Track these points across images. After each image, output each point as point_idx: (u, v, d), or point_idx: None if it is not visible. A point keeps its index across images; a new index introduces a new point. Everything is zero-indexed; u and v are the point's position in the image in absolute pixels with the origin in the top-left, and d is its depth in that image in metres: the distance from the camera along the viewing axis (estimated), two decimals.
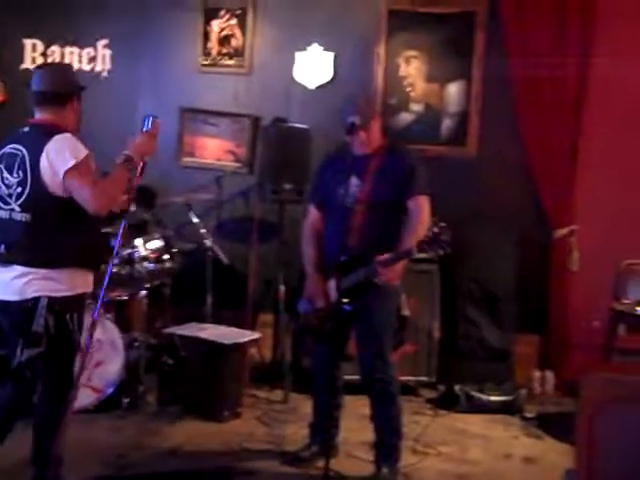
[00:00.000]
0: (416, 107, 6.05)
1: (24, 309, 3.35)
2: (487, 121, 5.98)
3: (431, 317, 5.48)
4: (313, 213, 4.15)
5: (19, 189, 3.39)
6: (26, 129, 3.50)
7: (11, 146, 3.46)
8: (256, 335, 5.07)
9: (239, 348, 4.85)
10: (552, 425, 4.93)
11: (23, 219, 3.38)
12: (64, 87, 3.54)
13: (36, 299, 3.34)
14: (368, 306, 3.90)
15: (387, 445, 4.01)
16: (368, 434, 4.13)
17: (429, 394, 5.46)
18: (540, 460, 4.44)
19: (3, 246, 3.40)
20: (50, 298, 3.34)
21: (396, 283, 3.93)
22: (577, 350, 5.76)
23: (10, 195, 3.41)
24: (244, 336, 4.91)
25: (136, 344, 4.85)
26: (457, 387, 5.21)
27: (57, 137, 3.36)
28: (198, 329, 4.88)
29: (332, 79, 5.99)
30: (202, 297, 5.36)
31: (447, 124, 6.01)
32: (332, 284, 3.90)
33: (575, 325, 5.91)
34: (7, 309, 3.42)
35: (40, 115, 3.51)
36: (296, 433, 4.56)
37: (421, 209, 3.86)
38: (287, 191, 5.30)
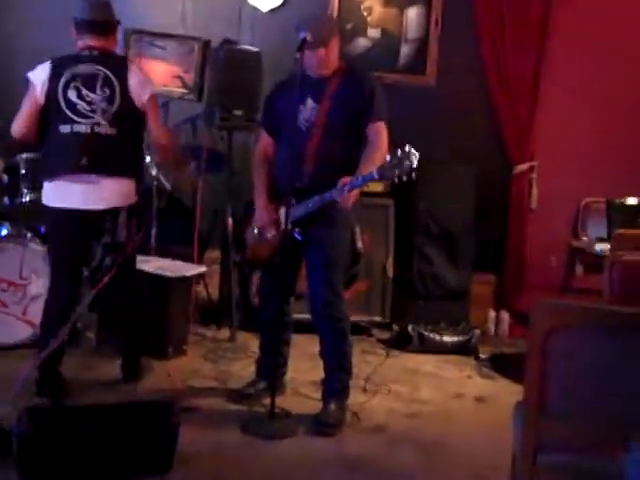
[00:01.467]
0: (373, 33, 6.04)
1: (105, 218, 3.95)
2: (447, 49, 6.01)
3: (385, 254, 5.54)
4: (264, 138, 4.13)
5: (104, 104, 3.94)
6: (91, 53, 3.99)
7: (85, 66, 3.96)
8: (202, 268, 5.07)
9: (184, 282, 4.85)
10: (506, 366, 5.04)
11: (108, 132, 3.94)
12: (112, 18, 4.13)
13: (117, 209, 3.95)
14: (321, 236, 3.90)
15: (336, 382, 4.05)
16: (317, 374, 4.19)
17: (382, 334, 5.55)
18: (492, 400, 4.55)
19: (85, 158, 3.90)
20: (128, 208, 3.99)
21: (349, 214, 3.93)
22: (533, 290, 5.91)
23: (93, 110, 3.93)
24: (190, 269, 4.90)
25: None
26: (410, 327, 5.29)
27: (136, 66, 4.21)
28: (141, 262, 4.84)
29: (285, 2, 5.94)
30: (146, 230, 5.32)
31: (405, 51, 6.03)
32: (283, 212, 3.86)
33: (532, 265, 6.05)
34: (87, 217, 3.94)
35: (97, 42, 4.02)
36: (243, 370, 4.61)
37: (380, 135, 3.84)
38: (236, 118, 5.24)
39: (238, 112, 5.26)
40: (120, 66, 4.03)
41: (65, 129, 3.93)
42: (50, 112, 3.96)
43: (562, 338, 2.57)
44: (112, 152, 3.97)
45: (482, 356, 5.24)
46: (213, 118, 5.28)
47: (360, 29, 6.02)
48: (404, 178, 3.53)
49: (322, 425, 3.92)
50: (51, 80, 3.95)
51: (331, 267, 3.94)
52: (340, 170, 3.76)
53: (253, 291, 5.37)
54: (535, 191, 6.01)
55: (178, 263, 5.00)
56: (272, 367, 4.10)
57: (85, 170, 3.91)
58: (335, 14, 5.94)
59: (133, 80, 4.00)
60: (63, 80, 3.94)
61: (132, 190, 4.05)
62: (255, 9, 5.93)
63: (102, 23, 4.06)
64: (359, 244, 4.12)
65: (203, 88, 5.78)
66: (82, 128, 3.93)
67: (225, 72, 5.28)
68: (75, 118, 3.93)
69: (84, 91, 3.94)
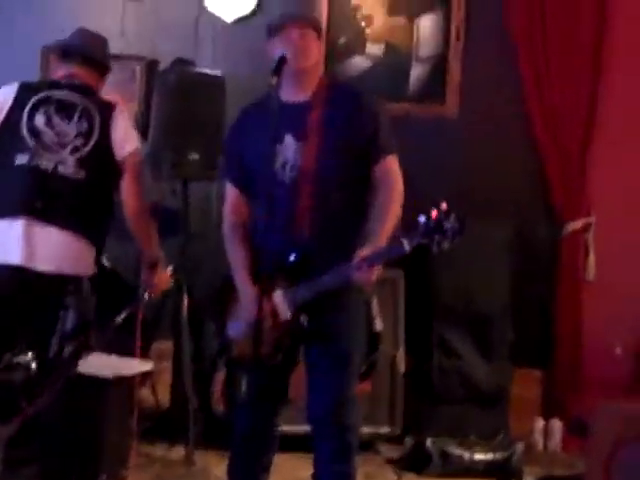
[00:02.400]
0: (374, 49, 6.14)
1: (56, 286, 3.93)
2: (473, 68, 6.09)
3: (394, 344, 5.53)
4: (232, 195, 3.99)
5: (79, 141, 4.01)
6: (73, 81, 4.13)
7: (63, 92, 4.07)
8: (148, 366, 5.05)
9: (125, 384, 4.81)
10: None
11: (75, 175, 3.98)
12: (106, 58, 4.34)
13: (77, 278, 3.98)
14: (330, 324, 3.80)
15: None
16: None
17: (391, 452, 5.52)
18: None
19: (40, 202, 3.93)
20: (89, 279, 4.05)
21: (362, 287, 3.82)
22: (593, 390, 5.86)
23: (63, 145, 3.99)
24: (131, 367, 4.88)
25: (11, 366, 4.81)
26: (429, 441, 5.25)
27: (123, 109, 4.26)
28: None
29: (255, 10, 6.05)
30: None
31: (417, 73, 6.09)
32: (279, 296, 3.77)
33: (591, 356, 6.03)
34: (28, 281, 3.91)
35: (84, 74, 4.18)
36: None
37: (391, 175, 3.74)
38: (193, 163, 5.30)
39: (194, 156, 5.31)
40: (106, 104, 4.15)
41: (21, 160, 3.98)
42: (4, 136, 4.02)
43: (633, 453, 2.56)
44: (76, 201, 4.02)
45: None
46: (161, 164, 5.31)
47: (357, 45, 6.13)
48: (445, 246, 3.39)
49: None
50: (16, 99, 4.07)
51: (344, 365, 3.86)
52: (345, 232, 3.73)
53: (216, 395, 5.32)
54: (592, 257, 6.03)
55: (115, 359, 4.96)
56: None
57: (37, 215, 3.92)
58: (323, 25, 5.99)
59: (119, 123, 4.12)
60: (32, 101, 4.04)
61: (92, 258, 4.09)
62: (216, 19, 6.05)
63: (98, 58, 4.28)
64: (377, 324, 4.09)
65: (148, 124, 5.82)
66: (44, 163, 3.97)
67: (177, 102, 5.35)
68: (37, 149, 3.98)
69: (55, 119, 4.03)
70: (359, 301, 3.88)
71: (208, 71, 5.54)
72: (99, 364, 4.83)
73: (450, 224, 3.32)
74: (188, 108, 5.32)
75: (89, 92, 4.15)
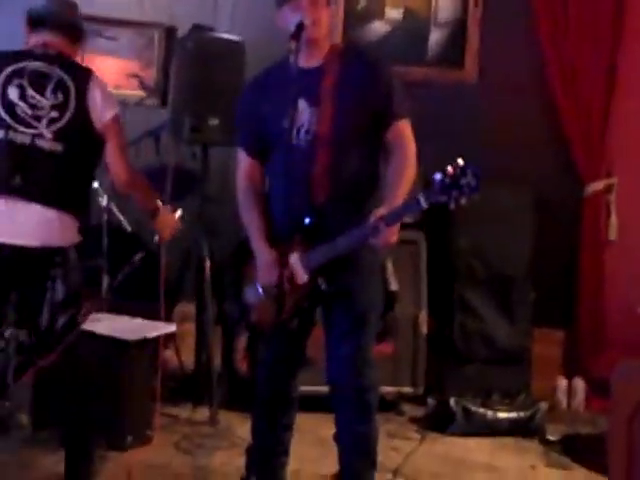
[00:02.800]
0: (393, 13, 6.12)
1: (39, 259, 3.85)
2: (491, 33, 6.07)
3: (416, 305, 5.55)
4: (246, 162, 3.99)
5: (55, 113, 3.88)
6: (46, 51, 3.98)
7: (36, 63, 3.94)
8: (171, 328, 5.07)
9: (148, 346, 4.84)
10: (582, 451, 5.03)
11: (52, 148, 3.87)
12: (79, 24, 4.17)
13: (61, 249, 3.89)
14: (345, 287, 3.81)
15: (356, 475, 3.99)
16: (329, 465, 4.17)
17: (414, 411, 5.56)
18: None
19: (19, 177, 3.85)
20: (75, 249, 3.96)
21: (377, 249, 3.81)
22: (616, 349, 5.88)
23: (38, 118, 3.87)
24: (155, 329, 4.90)
25: (1, 343, 4.83)
26: (452, 401, 5.28)
27: (99, 77, 4.04)
28: (90, 320, 4.87)
29: None
30: (95, 279, 5.36)
31: (436, 38, 6.08)
32: (296, 259, 3.76)
33: (613, 315, 6.03)
34: (23, 257, 3.85)
35: (58, 42, 4.03)
36: (227, 464, 4.62)
37: (405, 138, 3.74)
38: (212, 128, 5.31)
39: (214, 121, 5.32)
40: (82, 73, 4.02)
41: None
42: None
43: None
44: (55, 174, 3.93)
45: (550, 438, 5.23)
46: (182, 129, 5.33)
47: (376, 9, 6.12)
48: (463, 202, 3.33)
49: None
50: None
51: (360, 326, 3.87)
52: (361, 195, 3.74)
53: (238, 357, 5.38)
54: (614, 218, 6.01)
55: (139, 322, 5.01)
56: (269, 458, 4.09)
57: (17, 192, 3.87)
58: None
59: (95, 92, 3.97)
60: (5, 74, 3.95)
61: (76, 228, 4.01)
62: None
63: (70, 24, 4.11)
64: (393, 284, 4.09)
65: (167, 90, 5.85)
66: (19, 137, 3.88)
67: (196, 68, 5.35)
68: (11, 123, 3.89)
69: (30, 91, 3.91)
70: (373, 262, 3.89)
71: (227, 36, 5.53)
72: (122, 327, 4.89)
73: (466, 180, 3.28)
74: (207, 74, 5.33)
75: (64, 61, 4.02)
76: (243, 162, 3.98)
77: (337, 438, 3.99)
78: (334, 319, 3.89)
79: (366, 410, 3.92)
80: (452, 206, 3.32)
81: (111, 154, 3.99)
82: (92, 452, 4.27)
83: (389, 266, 4.08)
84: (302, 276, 3.73)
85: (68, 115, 3.90)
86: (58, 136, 3.89)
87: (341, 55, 3.80)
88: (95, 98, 3.95)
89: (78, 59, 4.15)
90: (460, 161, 3.31)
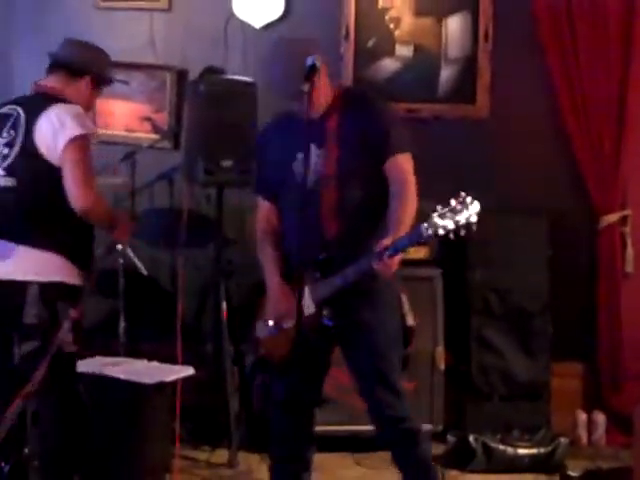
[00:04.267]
0: (403, 51, 6.10)
1: (10, 293, 3.97)
2: (502, 68, 6.06)
3: (433, 340, 5.54)
4: (264, 207, 4.19)
5: (5, 150, 4.03)
6: (31, 94, 4.18)
7: (7, 107, 4.13)
8: (189, 371, 5.07)
9: (165, 389, 4.83)
10: None
11: (5, 183, 4.01)
12: (81, 59, 4.24)
13: (23, 284, 3.95)
14: (363, 321, 3.91)
15: None
16: None
17: (434, 448, 5.42)
18: None
19: None
20: (40, 285, 3.96)
21: (392, 282, 3.92)
22: (636, 382, 5.84)
23: None
24: (173, 372, 4.89)
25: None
26: (472, 437, 5.26)
27: (65, 104, 4.05)
28: (107, 365, 4.88)
29: (284, 15, 6.07)
30: (112, 323, 5.39)
31: (447, 74, 6.07)
32: (306, 292, 3.87)
33: (633, 348, 5.98)
34: None
35: (52, 83, 4.18)
36: None
37: (402, 172, 3.86)
38: (226, 170, 5.32)
39: (227, 162, 5.33)
40: (40, 106, 4.06)
41: None
42: None
43: None
44: (12, 209, 4.04)
45: (572, 474, 5.15)
46: (195, 172, 5.34)
47: (386, 47, 6.10)
48: (461, 233, 3.47)
49: None
50: None
51: (383, 357, 3.96)
52: (369, 228, 3.84)
53: (256, 398, 5.36)
54: (630, 250, 5.99)
55: (156, 365, 5.00)
56: None
57: None
58: (351, 28, 6.03)
59: (42, 123, 4.00)
60: None
61: (55, 266, 4.02)
62: (246, 25, 6.05)
63: (67, 60, 4.21)
64: (409, 319, 4.13)
65: (180, 132, 5.87)
66: None
67: (209, 110, 5.36)
68: None
69: None
70: (390, 296, 3.98)
71: (239, 78, 5.56)
72: (140, 370, 4.88)
73: (466, 210, 3.41)
74: (220, 116, 5.35)
75: (41, 97, 4.14)
76: (261, 206, 4.19)
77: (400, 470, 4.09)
78: (353, 356, 4.00)
79: (409, 438, 4.01)
80: (452, 236, 3.45)
81: (65, 180, 3.95)
82: None
83: (405, 301, 4.09)
84: (309, 308, 3.85)
85: (15, 150, 4.01)
86: (8, 172, 4.01)
87: (341, 98, 3.99)
88: (41, 129, 3.98)
89: (83, 91, 4.23)
90: (462, 193, 3.45)
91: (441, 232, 3.44)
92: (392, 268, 3.65)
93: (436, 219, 3.45)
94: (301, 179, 3.82)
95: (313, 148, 3.91)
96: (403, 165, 3.88)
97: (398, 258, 3.64)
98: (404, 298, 4.08)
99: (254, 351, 4.26)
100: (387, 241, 3.59)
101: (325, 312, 3.85)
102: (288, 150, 3.97)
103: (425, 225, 3.49)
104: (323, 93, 3.93)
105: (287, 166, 3.97)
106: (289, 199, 4.00)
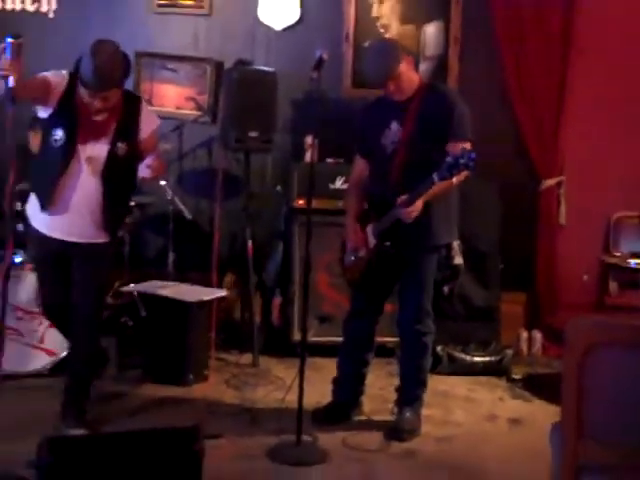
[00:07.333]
0: None
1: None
2: (466, 65, 6.02)
3: None
4: (359, 163, 4.34)
5: None
6: None
7: None
8: (222, 293, 5.09)
9: (204, 306, 4.87)
10: (541, 387, 5.02)
11: None
12: (120, 69, 3.81)
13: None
14: (411, 257, 4.12)
15: (412, 392, 4.29)
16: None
17: None
18: (527, 422, 4.51)
19: None
20: None
21: (442, 230, 4.14)
22: (566, 308, 5.85)
23: None
24: (209, 294, 4.92)
25: None
26: (439, 348, 5.25)
27: None
28: (160, 287, 4.89)
29: (299, 20, 6.00)
30: (163, 256, 5.39)
31: (424, 68, 6.01)
32: (370, 229, 4.12)
33: (564, 282, 6.00)
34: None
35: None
36: (267, 396, 4.64)
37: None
38: (252, 139, 5.28)
39: (254, 133, 5.30)
40: None
41: None
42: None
43: (600, 356, 2.54)
44: None
45: (515, 377, 5.20)
46: (228, 140, 5.33)
47: None
48: (464, 173, 3.76)
49: (398, 432, 4.15)
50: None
51: (419, 287, 4.17)
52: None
53: (274, 315, 5.48)
54: (564, 207, 5.98)
55: (197, 288, 5.02)
56: (350, 387, 4.40)
57: None
58: (351, 32, 5.98)
59: None
60: None
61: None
62: (269, 28, 5.99)
63: (100, 79, 3.71)
64: (457, 259, 4.24)
65: (217, 110, 5.84)
66: None
67: (239, 93, 5.33)
68: None
69: None
70: (435, 240, 4.15)
71: (263, 68, 5.55)
72: (185, 292, 4.90)
73: (464, 160, 3.66)
74: (248, 97, 5.30)
75: None
76: (357, 162, 4.37)
77: (400, 370, 4.35)
78: (402, 283, 4.23)
79: (422, 348, 4.25)
80: (454, 180, 3.76)
81: None
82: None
83: (455, 244, 4.26)
84: (371, 241, 4.11)
85: None
86: None
87: (423, 90, 4.10)
88: None
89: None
90: (467, 146, 3.81)
91: (448, 177, 3.72)
92: (410, 216, 3.87)
93: (444, 169, 3.70)
94: (384, 147, 4.11)
95: (395, 124, 4.07)
96: (458, 150, 3.88)
97: (417, 207, 3.86)
98: (456, 242, 4.27)
99: (344, 275, 4.40)
100: (404, 197, 3.87)
101: (386, 242, 4.06)
102: (378, 125, 4.13)
103: (436, 174, 3.74)
104: (407, 82, 4.04)
105: (377, 135, 4.12)
106: (374, 162, 4.22)
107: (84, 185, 3.83)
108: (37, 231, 3.95)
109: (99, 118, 3.84)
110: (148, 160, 3.85)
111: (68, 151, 3.80)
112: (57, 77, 3.81)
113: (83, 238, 3.90)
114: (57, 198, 3.83)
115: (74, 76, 3.78)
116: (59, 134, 3.80)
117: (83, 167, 3.82)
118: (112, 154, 3.84)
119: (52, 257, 3.97)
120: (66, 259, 3.93)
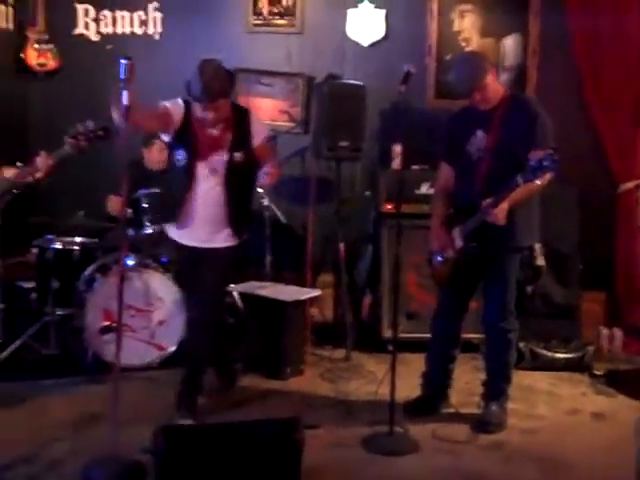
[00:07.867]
0: None
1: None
2: (545, 74, 5.97)
3: None
4: (445, 170, 4.29)
5: None
6: None
7: None
8: (316, 292, 5.14)
9: (299, 305, 4.94)
10: (623, 382, 4.93)
11: None
12: (224, 83, 3.93)
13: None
14: (496, 256, 4.09)
15: (497, 386, 4.27)
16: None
17: None
18: (611, 416, 4.44)
19: None
20: None
21: (525, 232, 4.10)
22: None
23: None
24: (304, 293, 4.99)
25: None
26: (522, 344, 5.17)
27: None
28: (258, 287, 4.97)
29: (385, 36, 6.04)
30: (261, 258, 5.47)
31: (504, 78, 5.95)
32: (456, 231, 4.11)
33: None
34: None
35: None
36: (359, 389, 4.67)
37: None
38: (343, 148, 5.34)
39: (344, 143, 5.35)
40: None
41: None
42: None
43: None
44: None
45: (597, 373, 5.12)
46: (320, 149, 5.39)
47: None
48: (548, 175, 3.72)
49: (485, 424, 4.15)
50: None
51: (504, 286, 4.15)
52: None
53: (364, 312, 5.52)
54: None
55: (293, 288, 5.09)
56: (438, 381, 4.39)
57: None
58: (434, 46, 5.99)
59: None
60: None
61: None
62: (357, 44, 6.05)
63: (209, 91, 3.81)
64: (539, 260, 4.22)
65: (309, 121, 5.91)
66: None
67: (330, 105, 5.38)
68: None
69: None
70: (517, 242, 4.12)
71: (352, 82, 5.58)
72: (281, 291, 4.96)
73: (547, 162, 3.59)
74: (338, 109, 5.35)
75: None
76: (442, 168, 4.31)
77: (486, 365, 4.33)
78: (488, 282, 4.19)
79: (507, 344, 4.23)
80: (539, 182, 3.71)
81: None
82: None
83: (537, 247, 4.34)
84: (458, 242, 4.09)
85: None
86: None
87: (508, 100, 4.07)
88: None
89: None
90: (550, 150, 3.66)
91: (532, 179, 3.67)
92: (496, 217, 3.84)
93: (528, 171, 3.65)
94: (469, 155, 4.09)
95: (480, 133, 4.05)
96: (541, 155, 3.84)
97: (502, 209, 3.82)
98: (537, 245, 4.31)
99: (434, 278, 4.37)
100: (489, 200, 3.84)
101: (471, 244, 4.03)
102: (464, 133, 4.10)
103: (520, 177, 3.69)
104: (492, 92, 4.03)
105: (463, 143, 4.10)
106: (460, 169, 4.18)
107: (209, 195, 3.99)
108: (174, 241, 4.17)
109: (215, 131, 3.98)
110: (266, 168, 3.95)
111: (190, 168, 3.98)
112: (175, 105, 3.99)
113: (212, 243, 4.06)
114: (186, 212, 4.03)
115: (187, 101, 3.96)
116: (181, 154, 3.99)
117: (206, 179, 3.98)
118: (231, 163, 3.99)
119: (188, 262, 4.17)
120: (200, 262, 4.09)
